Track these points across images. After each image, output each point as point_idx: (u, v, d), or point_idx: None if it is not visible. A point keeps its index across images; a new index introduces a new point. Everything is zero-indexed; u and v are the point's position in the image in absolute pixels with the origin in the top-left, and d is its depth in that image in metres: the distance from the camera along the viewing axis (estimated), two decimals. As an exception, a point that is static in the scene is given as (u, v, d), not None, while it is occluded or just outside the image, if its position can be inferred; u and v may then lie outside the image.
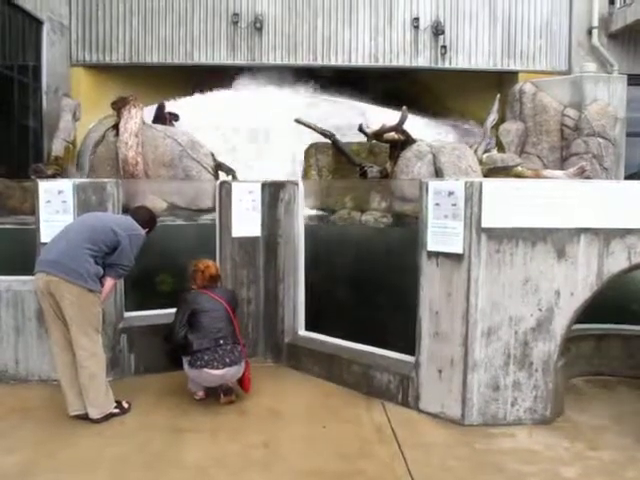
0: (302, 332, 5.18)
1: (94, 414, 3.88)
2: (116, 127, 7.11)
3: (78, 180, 4.85)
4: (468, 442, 3.71)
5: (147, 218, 4.27)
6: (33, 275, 3.90)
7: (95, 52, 10.42)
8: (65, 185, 4.59)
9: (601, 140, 9.42)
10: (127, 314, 4.92)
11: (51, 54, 9.47)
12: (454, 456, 3.54)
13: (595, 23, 10.58)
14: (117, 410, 4.00)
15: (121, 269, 3.98)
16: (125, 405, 4.09)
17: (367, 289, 4.85)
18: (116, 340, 4.75)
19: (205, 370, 4.12)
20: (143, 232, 4.15)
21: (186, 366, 4.23)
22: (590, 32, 10.66)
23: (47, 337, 4.12)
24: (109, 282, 3.98)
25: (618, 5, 10.56)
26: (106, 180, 4.81)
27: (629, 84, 9.90)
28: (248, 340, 5.07)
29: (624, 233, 3.85)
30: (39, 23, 9.14)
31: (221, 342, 4.19)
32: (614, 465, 3.45)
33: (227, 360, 4.16)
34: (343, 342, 4.88)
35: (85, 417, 3.89)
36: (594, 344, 4.87)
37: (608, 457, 3.53)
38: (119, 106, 7.25)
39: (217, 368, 4.12)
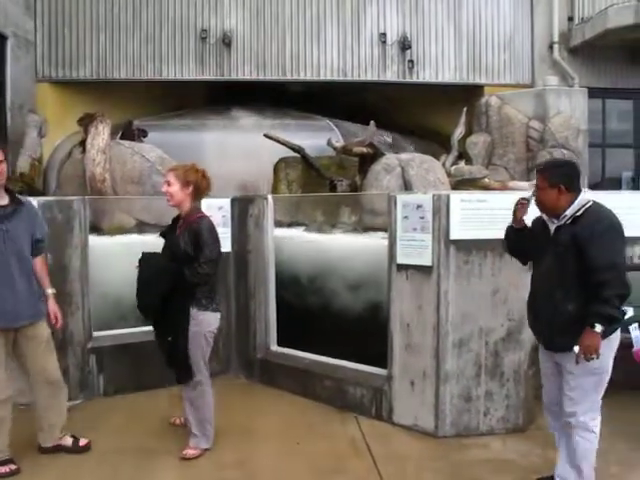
0: (274, 347, 5.15)
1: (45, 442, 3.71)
2: (83, 144, 7.00)
3: (43, 198, 4.77)
4: (443, 454, 3.73)
5: None
6: None
7: (61, 68, 10.26)
8: (30, 203, 4.50)
9: (565, 151, 9.62)
10: (96, 334, 4.83)
11: (16, 70, 9.28)
12: (429, 468, 3.55)
13: (556, 38, 10.87)
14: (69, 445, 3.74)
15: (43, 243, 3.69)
16: (81, 443, 3.77)
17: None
18: (85, 361, 4.65)
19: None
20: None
21: (203, 315, 3.61)
22: (551, 47, 10.95)
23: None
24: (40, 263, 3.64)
25: (576, 22, 10.88)
26: (73, 198, 4.73)
27: (589, 97, 10.18)
28: (219, 357, 5.03)
29: (588, 242, 3.93)
30: (3, 38, 8.96)
31: None
32: (585, 472, 3.49)
33: None
34: (315, 357, 4.87)
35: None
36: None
37: (579, 464, 3.57)
38: (86, 122, 7.14)
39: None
